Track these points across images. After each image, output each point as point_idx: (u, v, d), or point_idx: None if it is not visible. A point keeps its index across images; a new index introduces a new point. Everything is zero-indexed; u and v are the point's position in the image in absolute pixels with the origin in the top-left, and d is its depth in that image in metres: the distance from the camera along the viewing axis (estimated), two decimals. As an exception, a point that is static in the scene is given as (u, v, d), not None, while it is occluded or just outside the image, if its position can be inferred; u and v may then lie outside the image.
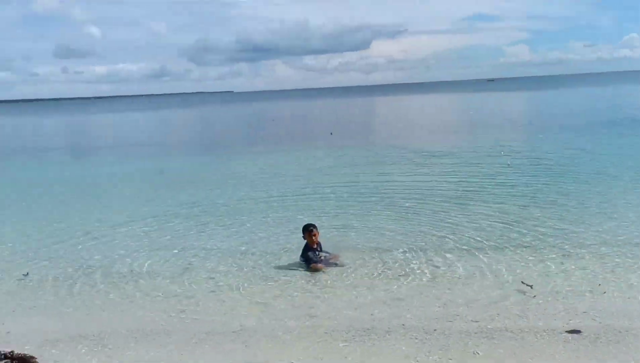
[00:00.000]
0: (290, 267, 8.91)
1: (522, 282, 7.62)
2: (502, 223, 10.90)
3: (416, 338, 6.15)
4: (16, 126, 74.83)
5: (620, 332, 6.10)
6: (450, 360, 5.64)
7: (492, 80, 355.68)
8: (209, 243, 10.55)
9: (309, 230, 9.10)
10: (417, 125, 40.17)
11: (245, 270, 8.92)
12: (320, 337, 6.33)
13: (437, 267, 8.53)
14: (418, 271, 8.37)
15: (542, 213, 11.53)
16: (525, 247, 9.32)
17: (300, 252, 9.11)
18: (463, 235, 10.14)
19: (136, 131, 53.61)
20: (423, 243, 9.76)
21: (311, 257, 8.87)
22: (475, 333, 6.22)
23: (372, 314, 6.95)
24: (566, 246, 9.25)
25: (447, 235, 10.19)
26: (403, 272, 8.38)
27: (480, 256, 8.94)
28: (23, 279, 8.98)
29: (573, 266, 8.30)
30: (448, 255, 9.04)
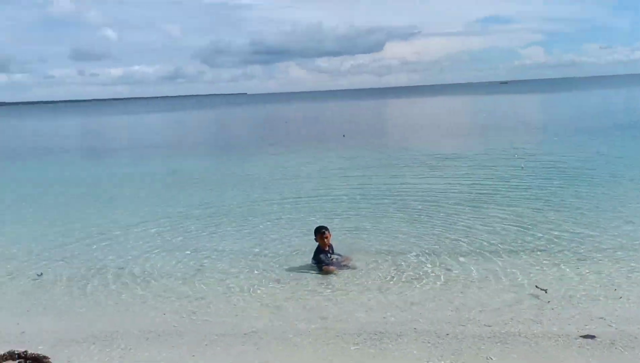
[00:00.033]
0: (302, 269, 8.89)
1: (536, 286, 7.54)
2: (516, 226, 10.81)
3: (428, 342, 6.11)
4: (33, 127, 75.68)
5: (636, 337, 6.01)
6: (462, 365, 5.59)
7: (505, 82, 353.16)
8: (221, 245, 10.58)
9: (320, 232, 9.08)
10: (430, 127, 39.97)
11: (256, 271, 8.92)
12: (332, 339, 6.31)
13: (450, 270, 8.47)
14: (431, 275, 8.32)
15: (557, 216, 11.41)
16: (540, 251, 9.23)
17: (312, 254, 9.09)
18: (476, 238, 10.06)
19: (151, 132, 54.00)
20: (436, 246, 9.71)
21: (323, 259, 8.85)
22: (488, 337, 6.16)
23: (383, 317, 6.91)
24: (581, 250, 9.14)
25: (461, 238, 10.12)
26: (415, 275, 8.33)
27: (494, 259, 8.86)
28: (37, 279, 9.08)
29: (588, 271, 8.19)
30: (461, 259, 8.98)
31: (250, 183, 17.96)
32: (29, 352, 6.09)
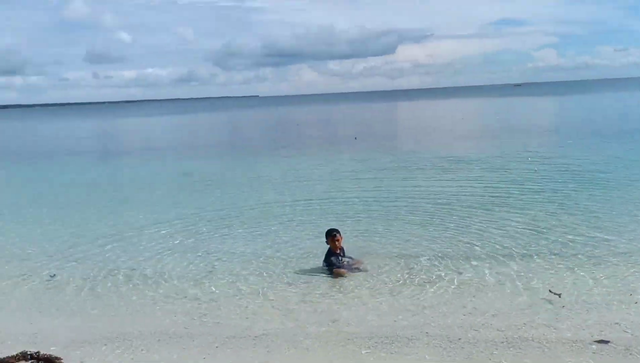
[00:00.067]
0: (313, 272, 8.87)
1: (549, 291, 7.45)
2: (530, 229, 10.70)
3: (440, 347, 6.05)
4: (48, 129, 76.52)
5: (652, 343, 5.91)
6: (474, 370, 5.54)
7: (519, 85, 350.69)
8: (232, 247, 10.59)
9: (332, 235, 9.05)
10: (442, 130, 39.81)
11: (268, 274, 8.91)
12: (343, 343, 6.27)
13: (463, 274, 8.40)
14: (443, 278, 8.25)
15: (571, 219, 11.29)
16: (554, 255, 9.12)
17: (323, 257, 9.06)
18: (489, 242, 9.98)
19: (164, 134, 54.33)
20: (449, 250, 9.63)
21: (334, 262, 8.82)
22: (501, 342, 6.09)
23: (395, 321, 6.87)
24: (596, 254, 9.03)
25: (473, 242, 10.04)
26: (428, 279, 8.27)
27: (507, 263, 8.78)
28: (50, 280, 9.14)
29: (603, 275, 8.08)
30: (474, 262, 8.90)
31: (262, 185, 17.99)
32: (42, 352, 6.13)
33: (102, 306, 7.98)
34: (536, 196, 13.88)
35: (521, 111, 63.46)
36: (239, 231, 11.83)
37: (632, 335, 6.14)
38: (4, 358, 6.02)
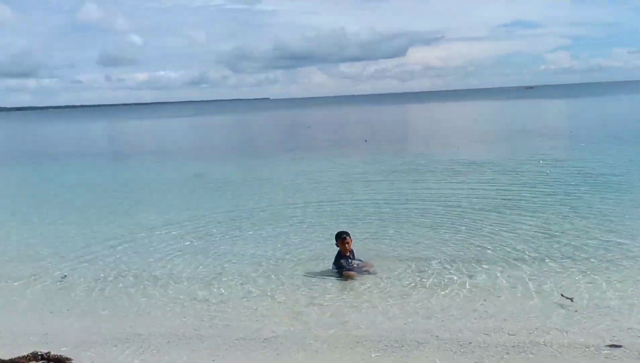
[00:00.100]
0: (322, 275, 8.84)
1: (562, 295, 7.37)
2: (542, 233, 10.61)
3: (450, 351, 6.01)
4: (61, 131, 77.20)
5: (666, 349, 5.83)
6: (485, 375, 5.49)
7: (531, 87, 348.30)
8: (242, 248, 10.60)
9: (342, 238, 9.02)
10: (454, 133, 39.63)
11: (277, 276, 8.90)
12: (352, 346, 6.25)
13: (474, 278, 8.33)
14: (454, 282, 8.19)
15: (584, 223, 11.17)
16: (566, 258, 9.03)
17: (333, 260, 9.03)
18: (501, 245, 9.90)
19: (175, 136, 54.60)
20: (460, 253, 9.57)
21: (344, 265, 8.79)
22: (513, 347, 6.03)
23: (405, 324, 6.83)
24: (609, 258, 8.92)
25: (485, 245, 9.97)
26: (438, 282, 8.22)
27: (519, 267, 8.70)
28: (61, 281, 9.20)
29: (616, 279, 7.99)
30: (485, 265, 8.83)
31: (272, 187, 18.01)
32: (52, 353, 6.16)
33: (113, 307, 8.01)
34: (548, 199, 13.77)
35: (533, 113, 63.05)
36: (249, 233, 11.85)
37: (645, 340, 6.06)
38: (15, 358, 6.06)
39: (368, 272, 8.76)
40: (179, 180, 21.27)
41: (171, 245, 11.11)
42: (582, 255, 9.15)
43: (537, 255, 9.29)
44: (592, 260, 8.90)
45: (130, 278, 9.16)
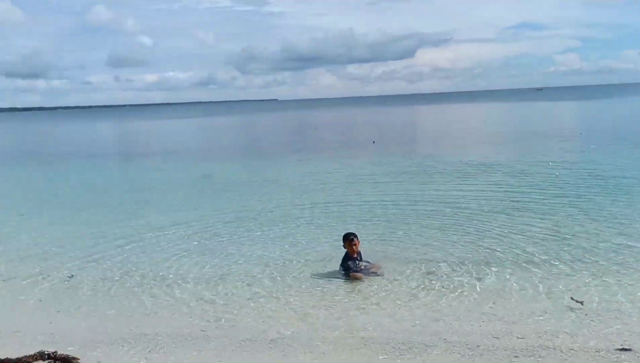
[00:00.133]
0: (329, 276, 8.80)
1: (571, 298, 7.29)
2: (552, 235, 10.52)
3: (458, 354, 5.94)
4: (70, 131, 77.69)
5: (676, 352, 5.74)
6: (494, 378, 5.43)
7: (540, 89, 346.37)
8: (250, 249, 10.58)
9: (349, 239, 8.98)
10: (462, 134, 39.46)
11: (284, 278, 8.87)
12: (359, 348, 6.20)
13: (483, 280, 8.26)
14: (462, 284, 8.12)
15: (595, 226, 11.06)
16: (576, 261, 8.94)
17: (340, 261, 8.99)
18: (511, 248, 9.82)
19: (184, 137, 54.73)
20: (469, 255, 9.50)
21: (351, 266, 8.75)
22: (522, 350, 5.96)
23: (412, 326, 6.78)
24: (620, 261, 8.83)
25: (494, 247, 9.89)
26: (446, 284, 8.15)
27: (529, 269, 8.62)
28: (68, 280, 9.21)
29: (627, 282, 7.90)
30: (494, 268, 8.75)
31: (280, 188, 18.01)
32: (59, 352, 6.16)
33: (120, 307, 8.01)
34: (558, 202, 13.65)
35: (542, 115, 62.68)
36: (257, 233, 11.83)
37: (657, 345, 5.97)
38: (22, 357, 6.06)
39: (375, 274, 8.71)
40: (187, 181, 21.32)
41: (178, 245, 11.12)
42: (592, 258, 9.06)
43: (546, 257, 9.20)
44: (602, 262, 8.81)
45: (137, 278, 9.17)
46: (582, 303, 7.11)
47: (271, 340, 6.53)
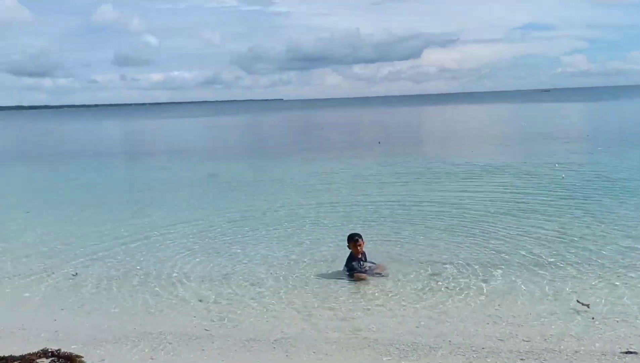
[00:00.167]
0: (334, 277, 8.77)
1: (577, 301, 7.23)
2: (558, 237, 10.45)
3: (463, 356, 5.90)
4: (77, 130, 77.97)
5: (683, 356, 5.68)
6: (499, 381, 5.38)
7: (546, 90, 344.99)
8: (254, 249, 10.57)
9: (354, 240, 8.95)
10: (469, 135, 39.37)
11: (288, 278, 8.84)
12: (363, 350, 6.17)
13: (488, 282, 8.21)
14: (468, 286, 8.08)
15: (601, 228, 10.98)
16: (583, 264, 8.88)
17: (344, 262, 8.96)
18: (517, 250, 9.76)
19: (189, 136, 54.80)
20: (474, 257, 9.44)
21: (355, 267, 8.72)
22: (527, 353, 5.92)
23: (417, 328, 6.74)
24: (626, 264, 8.77)
25: (500, 249, 9.83)
26: (452, 286, 8.11)
27: (535, 272, 8.57)
28: (73, 278, 9.22)
29: (633, 285, 7.84)
30: (500, 270, 8.70)
31: (285, 188, 18.00)
32: (62, 350, 6.15)
33: (124, 305, 8.01)
34: (565, 204, 13.57)
35: (549, 116, 62.45)
36: (262, 233, 11.82)
37: (663, 347, 5.91)
38: (25, 355, 6.06)
39: (380, 275, 8.68)
40: (193, 180, 21.33)
41: (183, 244, 11.11)
42: (598, 260, 9.00)
43: (553, 259, 9.15)
44: (608, 265, 8.75)
45: (142, 277, 9.17)
46: (588, 306, 7.06)
47: (275, 340, 6.51)
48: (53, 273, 9.55)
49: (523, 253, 9.56)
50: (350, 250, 8.95)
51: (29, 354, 6.07)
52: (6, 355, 6.06)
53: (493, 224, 11.59)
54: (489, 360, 5.78)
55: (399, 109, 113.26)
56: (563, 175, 17.61)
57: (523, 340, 6.24)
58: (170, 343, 6.53)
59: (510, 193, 15.30)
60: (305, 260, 9.74)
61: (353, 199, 15.34)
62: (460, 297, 7.67)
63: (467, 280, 8.30)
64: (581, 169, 19.42)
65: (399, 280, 8.43)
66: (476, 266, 8.90)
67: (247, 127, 72.57)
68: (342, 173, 21.18)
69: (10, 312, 7.91)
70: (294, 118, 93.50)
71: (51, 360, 5.97)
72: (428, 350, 6.08)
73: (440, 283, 8.22)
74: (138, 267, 9.73)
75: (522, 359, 5.78)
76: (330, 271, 9.03)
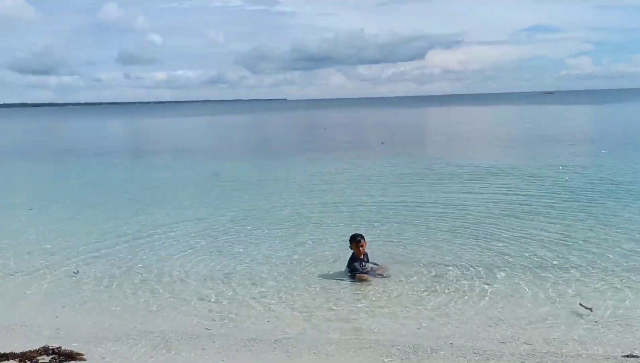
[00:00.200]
0: (335, 277, 8.76)
1: (580, 304, 7.20)
2: (562, 240, 10.41)
3: (464, 358, 5.88)
4: (81, 128, 78.10)
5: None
6: (500, 384, 5.36)
7: (551, 93, 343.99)
8: (256, 249, 10.56)
9: (356, 240, 8.93)
10: (472, 137, 39.28)
11: (290, 278, 8.83)
12: (364, 351, 6.15)
13: (490, 285, 8.18)
14: (470, 288, 8.05)
15: (605, 231, 10.93)
16: (586, 267, 8.84)
17: (346, 262, 8.94)
18: (520, 252, 9.71)
19: (193, 135, 54.87)
20: (476, 259, 9.41)
21: (357, 268, 8.70)
22: (529, 355, 5.89)
23: (418, 329, 6.72)
24: (630, 267, 8.72)
25: (503, 251, 9.80)
26: (453, 288, 8.08)
27: (538, 274, 8.53)
28: (75, 276, 9.22)
29: (637, 289, 7.79)
30: (502, 273, 8.67)
31: (288, 188, 17.98)
32: (63, 347, 6.15)
33: (125, 303, 8.01)
34: (568, 206, 13.52)
35: (554, 119, 62.28)
36: (264, 232, 11.82)
37: (667, 353, 5.87)
38: (26, 352, 6.06)
39: (382, 276, 8.66)
40: (196, 179, 21.31)
41: (185, 243, 11.11)
42: (602, 264, 8.96)
43: (556, 262, 9.11)
44: (612, 268, 8.71)
45: (143, 275, 9.17)
46: (590, 309, 7.03)
47: (276, 340, 6.49)
48: (55, 270, 9.57)
49: (526, 255, 9.52)
50: (353, 251, 8.92)
51: (30, 351, 6.07)
52: (7, 352, 6.07)
53: (496, 226, 11.56)
54: (490, 363, 5.76)
55: (403, 110, 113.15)
56: (567, 177, 17.54)
57: (525, 343, 6.21)
58: (171, 342, 6.53)
59: (514, 194, 15.25)
60: (307, 260, 9.72)
61: (355, 200, 15.31)
62: (462, 299, 7.64)
63: (470, 282, 8.27)
64: (585, 171, 19.34)
65: (400, 281, 8.41)
66: (479, 268, 8.87)
67: (250, 126, 72.60)
68: (345, 173, 21.16)
69: (11, 309, 7.93)
70: (297, 118, 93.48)
71: (52, 358, 5.97)
72: (429, 351, 6.05)
73: (443, 285, 8.19)
74: (140, 265, 9.74)
75: (523, 362, 5.75)
76: (332, 272, 9.02)
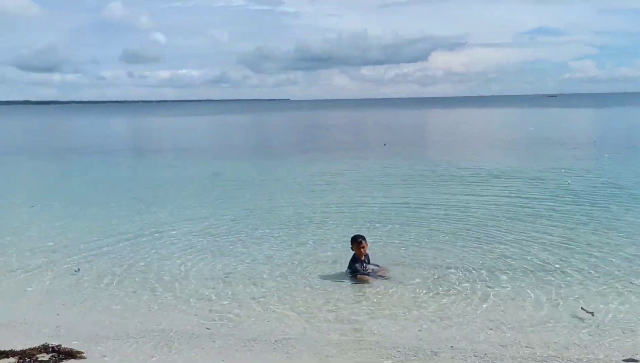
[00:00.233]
0: (336, 278, 8.74)
1: (582, 308, 7.17)
2: (564, 244, 10.37)
3: (465, 361, 5.87)
4: (84, 126, 78.22)
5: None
6: (501, 387, 5.34)
7: (553, 95, 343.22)
8: (257, 249, 10.55)
9: (357, 241, 8.91)
10: (475, 140, 39.22)
11: (291, 278, 8.82)
12: (364, 352, 6.13)
13: (492, 288, 8.16)
14: (471, 291, 8.03)
15: (607, 235, 10.90)
16: (588, 271, 8.80)
17: (347, 263, 8.92)
18: (521, 256, 9.69)
19: (195, 134, 54.91)
20: (478, 262, 9.38)
21: (358, 269, 8.69)
22: (529, 359, 5.88)
23: (419, 331, 6.71)
24: (632, 272, 8.69)
25: (504, 255, 9.77)
26: (455, 290, 8.06)
27: (540, 278, 8.51)
28: (75, 274, 9.22)
29: (639, 293, 7.77)
30: (504, 276, 8.64)
31: (289, 188, 17.96)
32: (63, 346, 6.15)
33: (125, 302, 8.01)
34: (570, 210, 13.48)
35: (556, 122, 62.17)
36: (265, 232, 11.80)
37: (668, 358, 5.85)
38: (26, 349, 6.06)
39: (383, 277, 8.64)
40: (198, 178, 21.33)
41: (186, 242, 11.11)
42: (604, 268, 8.93)
43: (558, 265, 9.08)
44: (614, 272, 8.68)
45: (144, 275, 9.16)
46: (592, 314, 7.01)
47: (276, 341, 6.48)
48: (56, 268, 9.58)
49: (528, 258, 9.50)
50: (354, 252, 8.91)
51: (30, 349, 6.07)
52: (7, 349, 6.07)
53: (498, 229, 11.53)
54: (491, 366, 5.73)
55: (406, 112, 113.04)
56: (569, 181, 17.50)
57: (526, 347, 6.19)
58: (171, 341, 6.52)
59: (516, 197, 15.22)
60: (308, 260, 9.71)
61: (357, 201, 15.30)
62: (464, 302, 7.62)
63: (471, 285, 8.25)
64: (588, 175, 19.29)
65: (402, 283, 8.39)
66: (481, 271, 8.85)
67: (253, 126, 72.61)
68: (347, 173, 21.13)
69: (12, 306, 7.93)
70: (299, 118, 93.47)
71: (52, 356, 5.97)
72: (430, 354, 6.04)
73: (444, 287, 8.17)
74: (141, 264, 9.74)
75: (524, 366, 5.74)
76: (333, 273, 9.00)
